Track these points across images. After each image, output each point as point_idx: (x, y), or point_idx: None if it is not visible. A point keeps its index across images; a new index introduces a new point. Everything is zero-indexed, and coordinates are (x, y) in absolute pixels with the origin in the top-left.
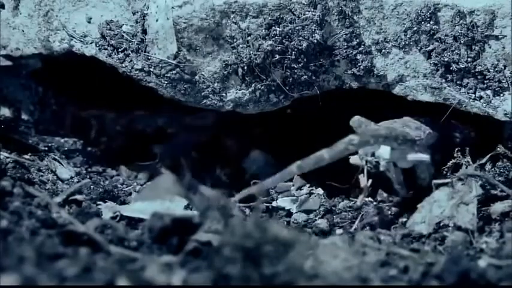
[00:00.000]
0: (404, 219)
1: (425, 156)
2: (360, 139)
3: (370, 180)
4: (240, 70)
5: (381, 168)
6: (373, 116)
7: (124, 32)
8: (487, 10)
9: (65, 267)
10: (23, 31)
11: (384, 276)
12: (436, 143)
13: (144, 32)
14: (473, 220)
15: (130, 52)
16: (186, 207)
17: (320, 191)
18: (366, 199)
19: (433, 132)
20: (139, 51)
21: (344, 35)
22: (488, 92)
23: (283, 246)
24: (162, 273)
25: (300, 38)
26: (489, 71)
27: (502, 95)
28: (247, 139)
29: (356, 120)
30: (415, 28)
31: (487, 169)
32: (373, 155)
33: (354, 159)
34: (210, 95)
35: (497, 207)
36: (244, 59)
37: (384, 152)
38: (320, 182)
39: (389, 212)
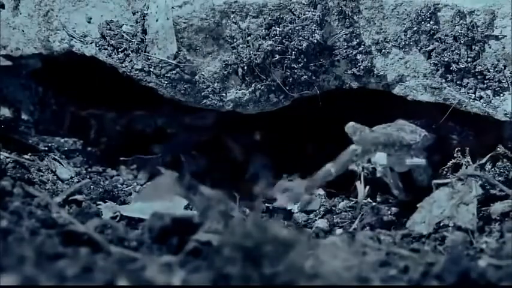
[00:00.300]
0: (404, 219)
1: (421, 161)
2: (362, 149)
3: (367, 187)
4: (240, 70)
5: (378, 174)
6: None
7: (124, 32)
8: (487, 10)
9: (65, 267)
10: (23, 31)
11: (384, 276)
12: (434, 144)
13: (144, 32)
14: (473, 220)
15: (130, 52)
16: (186, 207)
17: (320, 191)
18: (365, 200)
19: (429, 135)
20: (139, 51)
21: (344, 35)
22: (488, 92)
23: (283, 246)
24: (162, 273)
25: (300, 38)
26: (489, 71)
27: (502, 95)
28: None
29: (351, 126)
30: (415, 28)
31: (487, 169)
32: (369, 161)
33: (351, 165)
34: (210, 95)
35: (497, 207)
36: (244, 59)
37: (380, 158)
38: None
39: (389, 212)
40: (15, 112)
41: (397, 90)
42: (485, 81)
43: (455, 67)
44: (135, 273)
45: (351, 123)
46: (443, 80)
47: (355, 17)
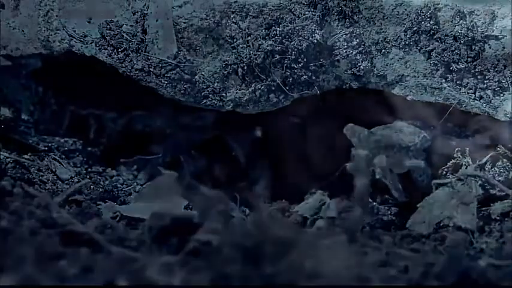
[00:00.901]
0: (404, 220)
1: (420, 162)
2: (370, 152)
3: None
4: (240, 70)
5: (377, 176)
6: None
7: (124, 32)
8: (487, 10)
9: (65, 267)
10: (23, 31)
11: (384, 276)
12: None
13: (144, 32)
14: (473, 220)
15: (130, 52)
16: (186, 207)
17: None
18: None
19: (427, 136)
20: (139, 51)
21: (344, 35)
22: (488, 92)
23: (283, 246)
24: (162, 273)
25: (300, 38)
26: (489, 71)
27: (502, 95)
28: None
29: (350, 128)
30: (415, 28)
31: (487, 169)
32: None
33: (350, 167)
34: (210, 95)
35: (497, 207)
36: (244, 59)
37: (379, 160)
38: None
39: (389, 212)
40: (15, 112)
41: (397, 90)
42: (485, 81)
43: (455, 67)
44: (135, 273)
45: (350, 125)
46: (443, 80)
47: (355, 17)
